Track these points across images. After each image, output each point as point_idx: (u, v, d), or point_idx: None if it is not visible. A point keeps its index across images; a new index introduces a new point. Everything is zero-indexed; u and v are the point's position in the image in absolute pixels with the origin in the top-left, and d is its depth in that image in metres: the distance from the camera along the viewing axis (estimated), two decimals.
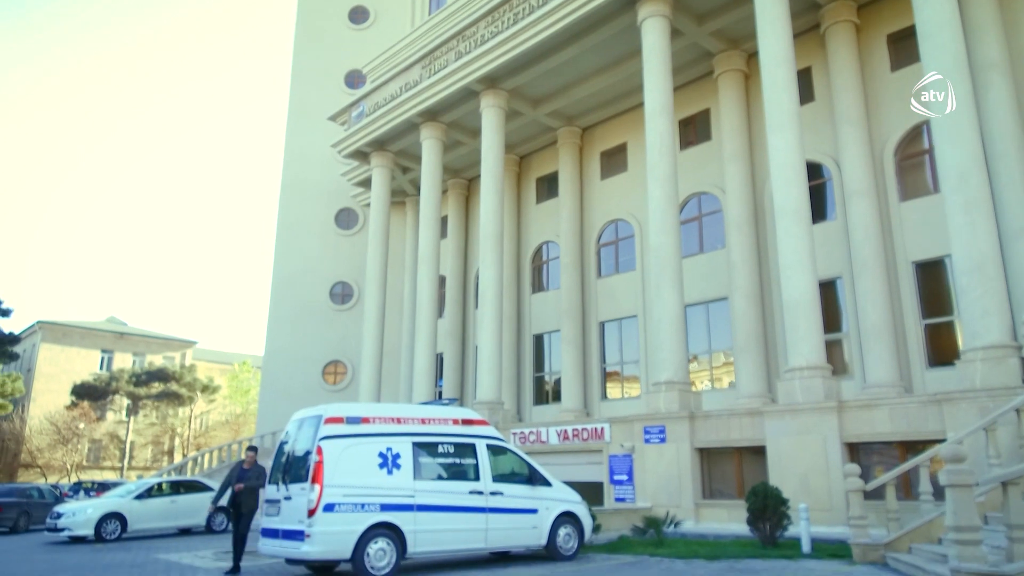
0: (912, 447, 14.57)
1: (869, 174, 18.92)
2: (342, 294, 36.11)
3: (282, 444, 11.35)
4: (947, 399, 13.22)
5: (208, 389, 56.47)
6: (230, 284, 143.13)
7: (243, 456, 12.50)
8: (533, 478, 12.11)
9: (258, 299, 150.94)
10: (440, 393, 28.47)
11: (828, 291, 19.12)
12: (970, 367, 13.06)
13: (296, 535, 9.99)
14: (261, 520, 11.20)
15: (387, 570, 10.09)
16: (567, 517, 12.23)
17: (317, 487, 9.91)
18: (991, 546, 7.15)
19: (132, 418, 55.10)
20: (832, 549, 12.03)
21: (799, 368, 15.55)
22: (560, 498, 12.31)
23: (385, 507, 10.32)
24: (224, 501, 12.02)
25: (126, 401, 54.78)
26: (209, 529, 19.98)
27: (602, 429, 19.56)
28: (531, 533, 11.78)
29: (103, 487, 29.59)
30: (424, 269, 27.17)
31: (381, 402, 28.45)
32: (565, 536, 12.11)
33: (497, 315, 23.87)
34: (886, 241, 18.63)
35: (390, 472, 10.58)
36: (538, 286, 28.78)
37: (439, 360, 28.95)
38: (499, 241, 24.39)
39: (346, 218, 36.95)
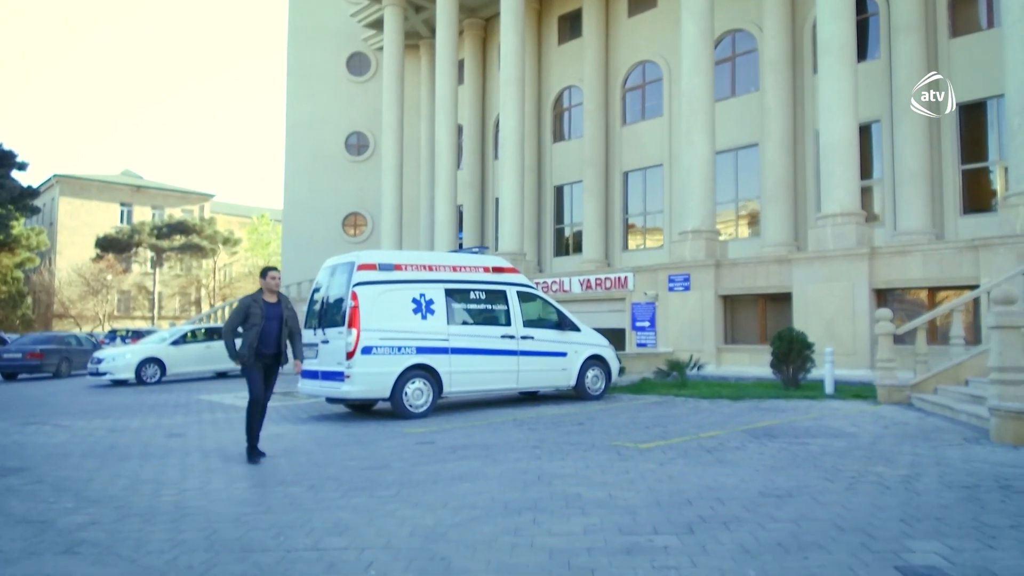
0: (938, 294, 14.58)
1: (920, 6, 17.55)
2: (358, 145, 35.37)
3: (315, 291, 11.44)
4: (984, 245, 12.97)
5: (229, 242, 57.15)
6: (244, 137, 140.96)
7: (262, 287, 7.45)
8: (562, 323, 12.26)
9: (274, 151, 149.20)
10: (461, 244, 28.54)
11: (863, 136, 18.35)
12: (1012, 212, 12.68)
13: (336, 376, 10.28)
14: None
15: (424, 408, 10.47)
16: (595, 360, 12.51)
17: (354, 331, 10.06)
18: None
19: (157, 270, 56.28)
20: (855, 390, 12.29)
21: (832, 215, 15.22)
22: (588, 342, 12.53)
23: (421, 350, 10.53)
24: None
25: (150, 253, 55.77)
26: None
27: (625, 278, 19.64)
28: (560, 375, 12.10)
29: (137, 335, 30.68)
30: (442, 117, 26.31)
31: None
32: (593, 377, 12.45)
33: (518, 165, 23.34)
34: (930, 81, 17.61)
35: (424, 317, 10.71)
36: (559, 135, 27.92)
37: (459, 211, 28.74)
38: (520, 86, 23.35)
39: (358, 64, 35.41)
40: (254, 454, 7.16)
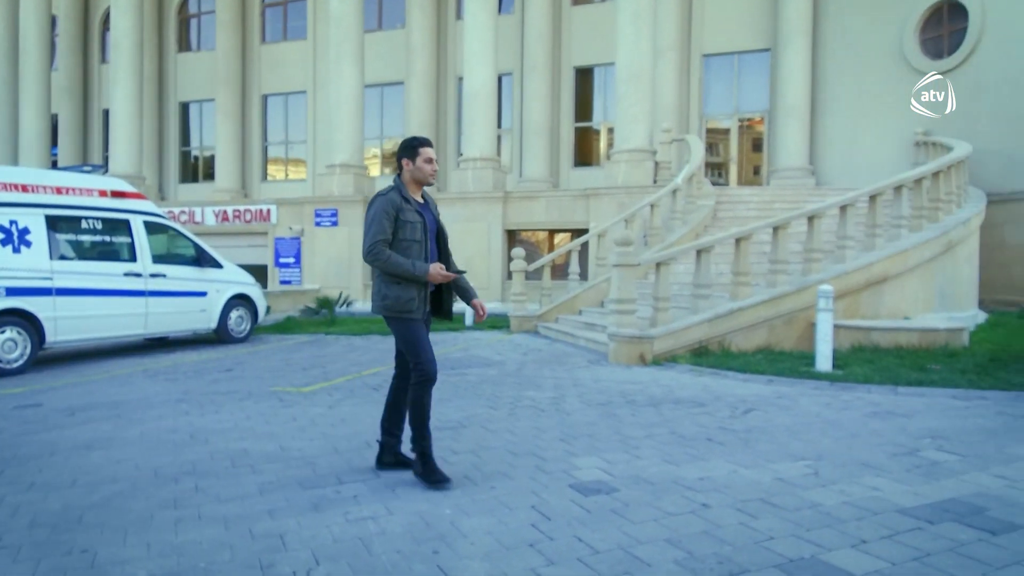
0: (556, 235, 16.59)
1: None
2: None
3: None
4: (594, 194, 15.03)
5: None
6: None
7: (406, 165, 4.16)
8: (201, 259, 10.97)
9: None
10: (55, 162, 23.75)
11: (497, 86, 19.74)
12: (616, 167, 14.87)
13: None
14: None
15: (20, 362, 8.48)
16: (240, 299, 11.52)
17: None
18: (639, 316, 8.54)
19: None
20: (490, 321, 13.36)
21: (473, 159, 16.14)
22: (232, 280, 11.45)
23: (12, 292, 8.46)
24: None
25: None
26: None
27: (268, 211, 18.44)
28: (199, 316, 10.87)
29: None
30: (29, 2, 21.23)
31: None
32: (237, 319, 11.47)
33: (135, 73, 20.09)
34: (555, 43, 19.58)
35: (16, 250, 8.58)
36: (186, 44, 24.67)
37: (53, 122, 23.78)
38: None
39: None
40: (432, 472, 4.01)
